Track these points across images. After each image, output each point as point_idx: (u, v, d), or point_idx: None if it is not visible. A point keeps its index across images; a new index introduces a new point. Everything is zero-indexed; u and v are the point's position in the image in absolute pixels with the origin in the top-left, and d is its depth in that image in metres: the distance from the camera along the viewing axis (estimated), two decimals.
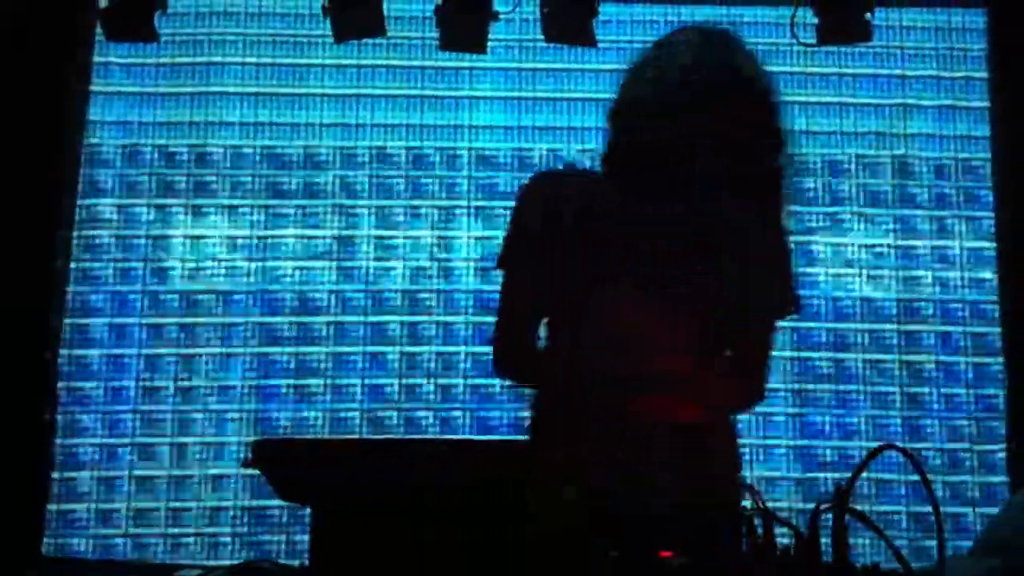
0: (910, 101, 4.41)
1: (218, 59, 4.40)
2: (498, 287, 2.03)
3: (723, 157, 1.85)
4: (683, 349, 1.88)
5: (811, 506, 1.29)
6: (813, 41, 4.21)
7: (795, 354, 4.14)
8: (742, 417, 3.91)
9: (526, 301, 1.99)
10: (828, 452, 4.12)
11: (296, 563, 1.51)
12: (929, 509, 3.94)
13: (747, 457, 3.95)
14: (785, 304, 2.02)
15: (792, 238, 1.98)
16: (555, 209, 1.94)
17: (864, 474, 1.27)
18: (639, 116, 1.93)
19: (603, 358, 1.86)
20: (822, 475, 4.07)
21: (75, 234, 4.23)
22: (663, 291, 1.87)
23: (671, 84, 1.89)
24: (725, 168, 1.85)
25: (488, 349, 2.10)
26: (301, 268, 4.26)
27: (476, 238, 4.28)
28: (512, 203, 2.07)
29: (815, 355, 4.17)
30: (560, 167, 2.17)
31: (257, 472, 1.43)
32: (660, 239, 1.88)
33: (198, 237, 4.27)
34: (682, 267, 1.88)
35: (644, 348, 1.85)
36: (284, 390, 4.17)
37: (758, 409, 3.96)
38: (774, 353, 2.07)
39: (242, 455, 4.01)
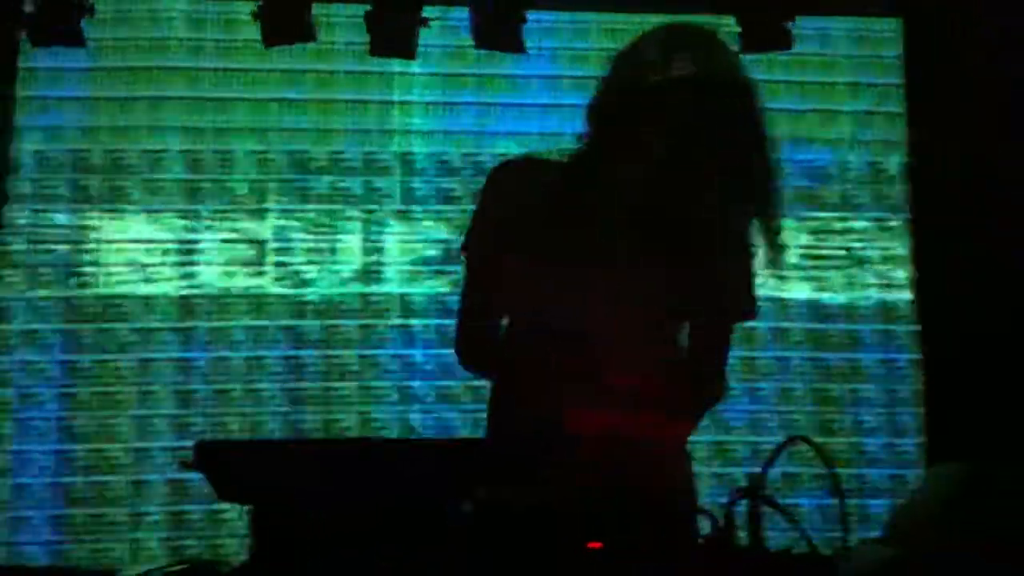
0: (830, 108, 4.54)
1: (145, 64, 4.38)
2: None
3: (710, 163, 1.81)
4: (646, 356, 1.89)
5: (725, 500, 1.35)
6: (736, 50, 4.33)
7: None
8: None
9: (489, 289, 1.98)
10: (741, 447, 4.22)
11: (235, 562, 1.54)
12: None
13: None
14: (748, 309, 2.03)
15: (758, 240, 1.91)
16: (524, 200, 1.93)
17: (778, 469, 1.34)
18: (616, 114, 1.87)
19: (563, 362, 1.85)
20: (735, 470, 4.16)
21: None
22: (630, 294, 1.87)
23: (650, 82, 1.82)
24: (709, 173, 1.82)
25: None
26: (228, 271, 4.27)
27: (409, 241, 4.33)
28: (477, 189, 2.04)
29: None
30: (528, 156, 2.09)
31: (196, 474, 1.46)
32: (631, 238, 1.88)
33: (122, 241, 4.25)
34: (651, 269, 1.88)
35: (606, 355, 1.84)
36: (203, 392, 4.17)
37: None
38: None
39: (169, 459, 4.02)
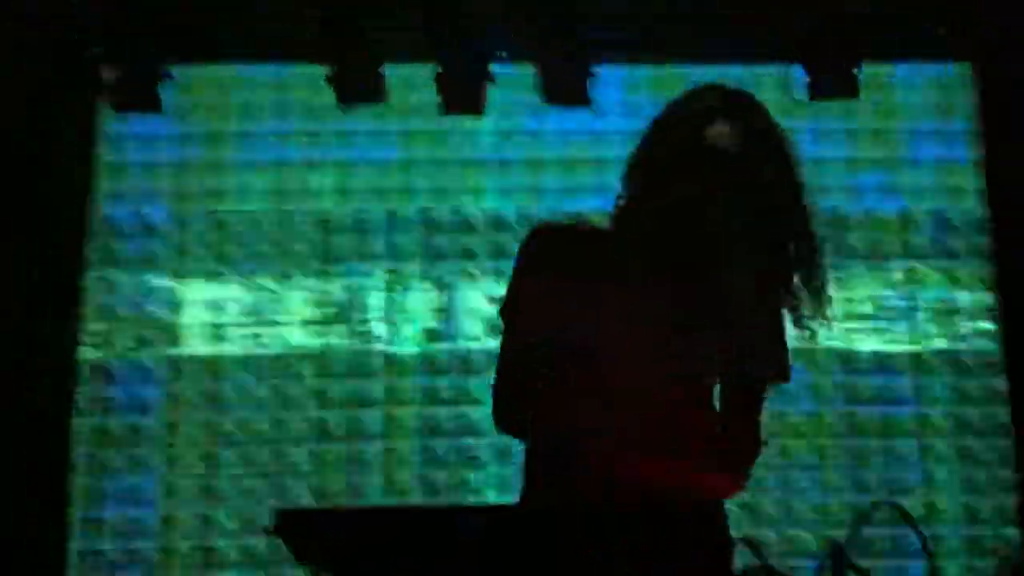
0: (904, 154, 4.50)
1: (223, 128, 4.48)
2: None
3: (738, 220, 1.86)
4: (677, 424, 1.88)
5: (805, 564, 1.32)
6: (804, 98, 4.30)
7: (781, 408, 4.18)
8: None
9: (524, 354, 1.95)
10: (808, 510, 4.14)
11: None
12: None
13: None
14: (781, 375, 1.97)
15: (794, 304, 1.91)
16: (556, 265, 1.94)
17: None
18: (654, 176, 1.91)
19: (592, 429, 1.85)
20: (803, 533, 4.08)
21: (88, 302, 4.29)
22: (660, 360, 1.87)
23: (690, 146, 1.87)
24: (739, 232, 1.86)
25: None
26: (314, 330, 4.33)
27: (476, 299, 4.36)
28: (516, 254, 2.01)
29: (794, 410, 4.20)
30: (565, 219, 2.13)
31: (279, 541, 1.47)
32: (662, 304, 1.88)
33: (199, 303, 4.33)
34: (683, 335, 1.87)
35: (636, 421, 1.84)
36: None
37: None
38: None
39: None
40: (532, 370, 1.95)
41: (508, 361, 2.00)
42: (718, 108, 1.89)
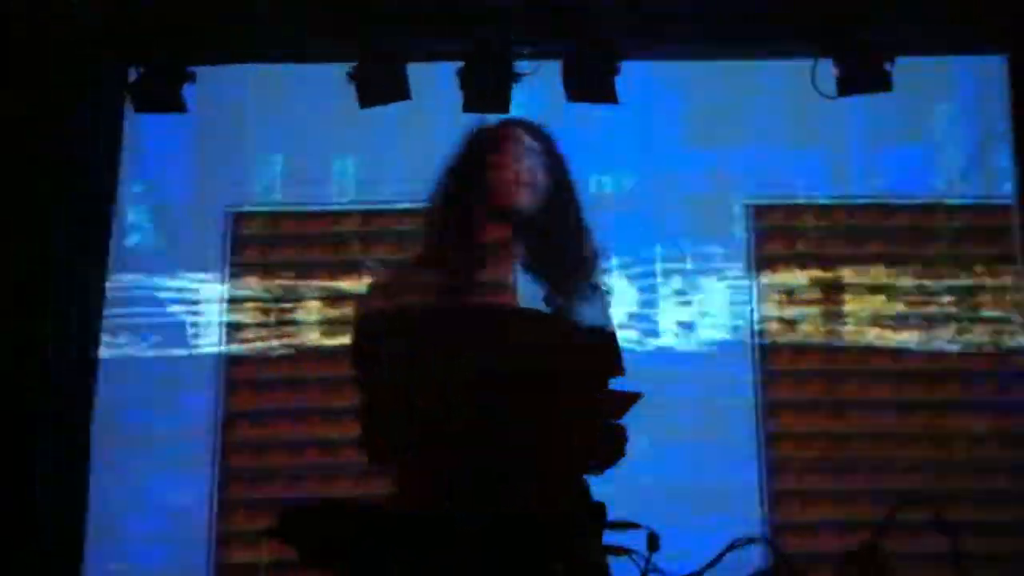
0: (936, 147, 4.42)
1: (246, 129, 4.47)
2: None
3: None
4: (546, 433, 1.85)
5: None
6: (833, 93, 4.21)
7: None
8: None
9: (380, 398, 1.93)
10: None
11: None
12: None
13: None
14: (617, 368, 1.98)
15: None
16: (391, 329, 1.99)
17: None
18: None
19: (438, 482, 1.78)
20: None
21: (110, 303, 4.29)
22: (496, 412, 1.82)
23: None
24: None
25: None
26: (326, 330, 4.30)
27: None
28: None
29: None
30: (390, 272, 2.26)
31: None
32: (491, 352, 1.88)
33: (221, 301, 4.32)
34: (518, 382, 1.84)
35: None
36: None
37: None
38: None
39: None
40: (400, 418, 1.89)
41: (368, 407, 1.97)
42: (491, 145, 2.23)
